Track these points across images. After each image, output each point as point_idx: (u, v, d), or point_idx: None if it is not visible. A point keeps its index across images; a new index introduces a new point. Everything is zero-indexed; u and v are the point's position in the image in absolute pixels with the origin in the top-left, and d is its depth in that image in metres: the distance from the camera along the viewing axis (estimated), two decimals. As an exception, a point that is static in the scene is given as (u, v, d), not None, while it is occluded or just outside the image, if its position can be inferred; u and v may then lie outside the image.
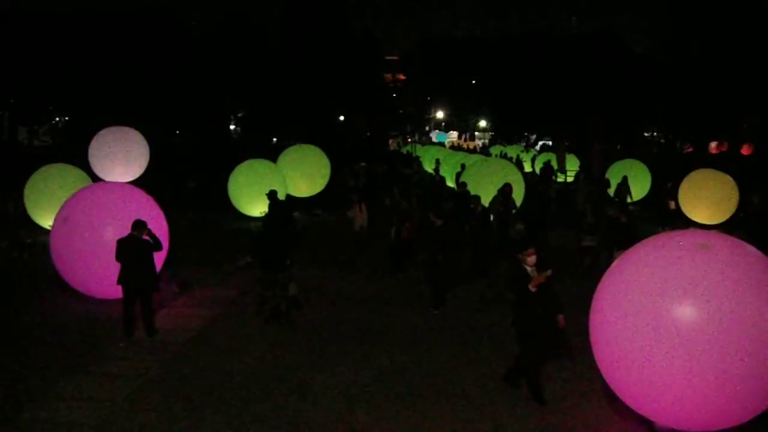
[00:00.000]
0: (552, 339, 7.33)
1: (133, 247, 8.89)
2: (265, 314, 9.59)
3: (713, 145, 52.35)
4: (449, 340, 9.15)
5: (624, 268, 6.44)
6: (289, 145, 29.05)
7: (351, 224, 14.52)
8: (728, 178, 19.73)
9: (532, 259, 7.03)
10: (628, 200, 21.45)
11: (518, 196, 16.85)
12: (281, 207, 14.25)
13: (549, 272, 6.89)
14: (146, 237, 8.99)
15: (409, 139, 67.83)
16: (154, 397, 7.13)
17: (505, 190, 14.85)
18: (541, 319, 7.03)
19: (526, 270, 7.04)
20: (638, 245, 6.66)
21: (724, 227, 19.35)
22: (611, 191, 22.03)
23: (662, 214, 20.53)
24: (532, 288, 6.89)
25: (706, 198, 19.49)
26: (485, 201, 14.60)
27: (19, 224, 15.00)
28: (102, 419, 6.61)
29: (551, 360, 7.95)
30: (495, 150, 52.29)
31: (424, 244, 11.14)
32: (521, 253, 7.08)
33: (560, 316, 7.06)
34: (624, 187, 21.20)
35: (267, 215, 14.32)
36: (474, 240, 13.33)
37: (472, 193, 15.01)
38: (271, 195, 14.53)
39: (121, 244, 8.95)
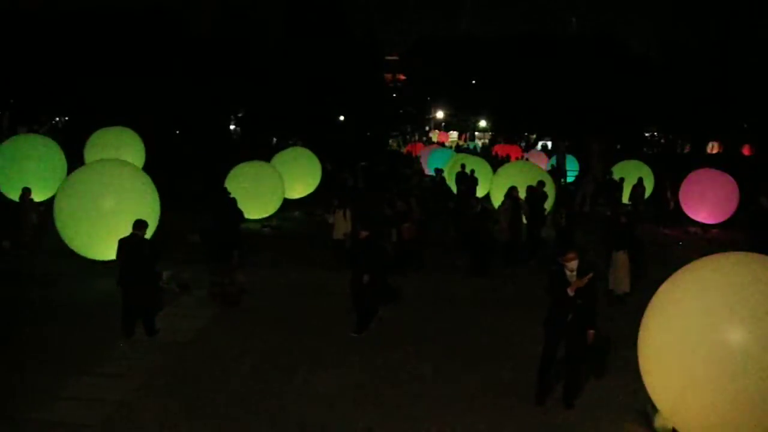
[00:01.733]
0: (581, 349, 7.04)
1: (134, 247, 8.90)
2: (216, 298, 10.58)
3: (713, 145, 52.40)
4: (449, 341, 9.15)
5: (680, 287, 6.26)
6: (289, 145, 29.08)
7: (330, 230, 13.78)
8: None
9: (573, 263, 6.83)
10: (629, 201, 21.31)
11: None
12: (230, 203, 14.18)
13: (590, 275, 6.75)
14: None
15: (411, 138, 67.74)
16: (154, 397, 7.13)
17: (513, 194, 14.71)
18: (572, 324, 6.83)
19: (566, 274, 6.88)
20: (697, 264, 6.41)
21: (724, 227, 19.39)
22: (625, 194, 21.86)
23: (663, 215, 20.52)
24: (570, 292, 6.72)
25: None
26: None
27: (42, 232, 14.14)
28: (102, 419, 6.61)
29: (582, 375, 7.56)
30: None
31: (351, 260, 9.80)
32: (562, 256, 6.92)
33: (590, 331, 6.84)
34: (640, 188, 20.95)
35: (218, 210, 14.35)
36: (471, 240, 13.35)
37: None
38: (222, 191, 15.12)
39: (122, 243, 8.95)
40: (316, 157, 23.86)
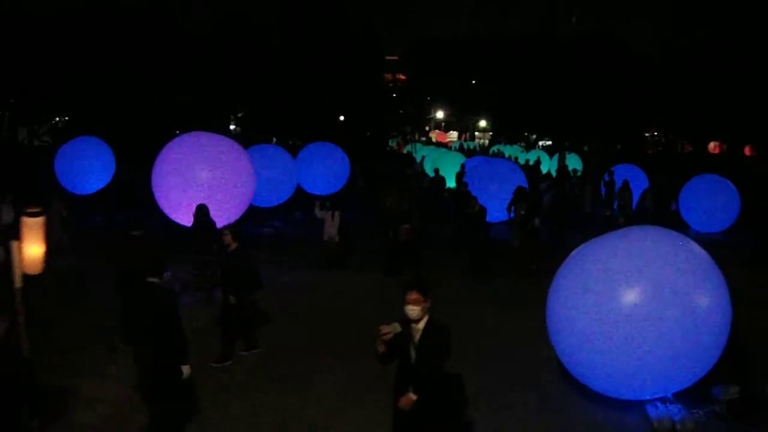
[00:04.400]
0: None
1: (133, 247, 8.89)
2: (200, 283, 10.91)
3: (712, 145, 52.39)
4: (449, 341, 9.14)
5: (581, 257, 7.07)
6: (291, 145, 29.00)
7: (321, 227, 13.37)
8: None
9: (412, 310, 4.80)
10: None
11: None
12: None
13: (393, 328, 4.75)
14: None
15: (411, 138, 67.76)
16: (154, 398, 7.12)
17: (523, 192, 14.65)
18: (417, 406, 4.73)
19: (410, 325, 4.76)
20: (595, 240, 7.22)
21: (728, 234, 19.32)
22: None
23: (662, 217, 20.45)
24: (379, 348, 4.70)
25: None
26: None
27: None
28: (102, 419, 6.62)
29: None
30: (507, 150, 50.86)
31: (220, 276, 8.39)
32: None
33: (410, 395, 4.71)
34: (627, 191, 20.82)
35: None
36: (469, 240, 13.35)
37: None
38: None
39: (121, 243, 8.95)
40: (343, 152, 23.37)
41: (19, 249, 5.63)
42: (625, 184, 20.05)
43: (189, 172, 12.75)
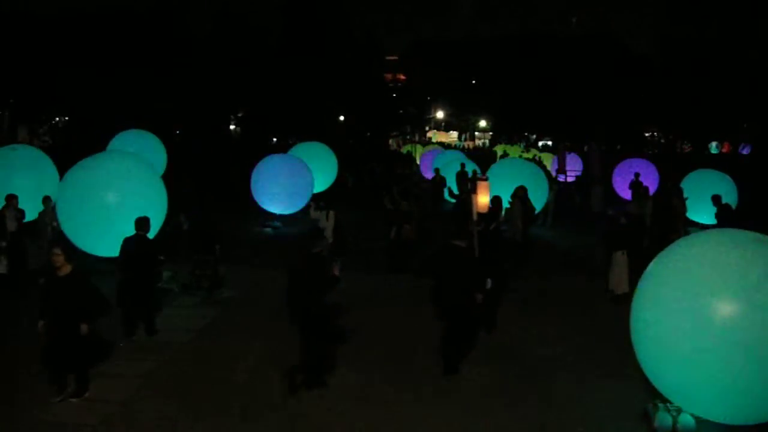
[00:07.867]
0: None
1: (135, 246, 8.88)
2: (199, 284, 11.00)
3: (713, 144, 52.48)
4: (449, 340, 9.14)
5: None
6: (290, 145, 28.98)
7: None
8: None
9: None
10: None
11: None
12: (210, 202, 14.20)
13: None
14: None
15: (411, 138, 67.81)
16: (154, 397, 7.12)
17: (519, 194, 14.65)
18: None
19: None
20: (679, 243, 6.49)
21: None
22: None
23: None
24: None
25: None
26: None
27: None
28: (102, 419, 6.61)
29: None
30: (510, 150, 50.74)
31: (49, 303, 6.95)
32: None
33: None
34: (648, 198, 20.67)
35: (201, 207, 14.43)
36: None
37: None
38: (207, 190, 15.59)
39: (125, 242, 8.92)
40: (332, 151, 23.25)
41: (474, 198, 9.60)
42: (646, 190, 20.00)
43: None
